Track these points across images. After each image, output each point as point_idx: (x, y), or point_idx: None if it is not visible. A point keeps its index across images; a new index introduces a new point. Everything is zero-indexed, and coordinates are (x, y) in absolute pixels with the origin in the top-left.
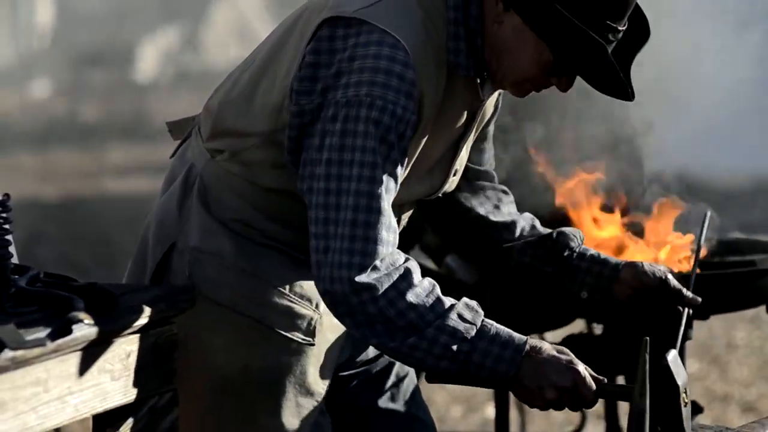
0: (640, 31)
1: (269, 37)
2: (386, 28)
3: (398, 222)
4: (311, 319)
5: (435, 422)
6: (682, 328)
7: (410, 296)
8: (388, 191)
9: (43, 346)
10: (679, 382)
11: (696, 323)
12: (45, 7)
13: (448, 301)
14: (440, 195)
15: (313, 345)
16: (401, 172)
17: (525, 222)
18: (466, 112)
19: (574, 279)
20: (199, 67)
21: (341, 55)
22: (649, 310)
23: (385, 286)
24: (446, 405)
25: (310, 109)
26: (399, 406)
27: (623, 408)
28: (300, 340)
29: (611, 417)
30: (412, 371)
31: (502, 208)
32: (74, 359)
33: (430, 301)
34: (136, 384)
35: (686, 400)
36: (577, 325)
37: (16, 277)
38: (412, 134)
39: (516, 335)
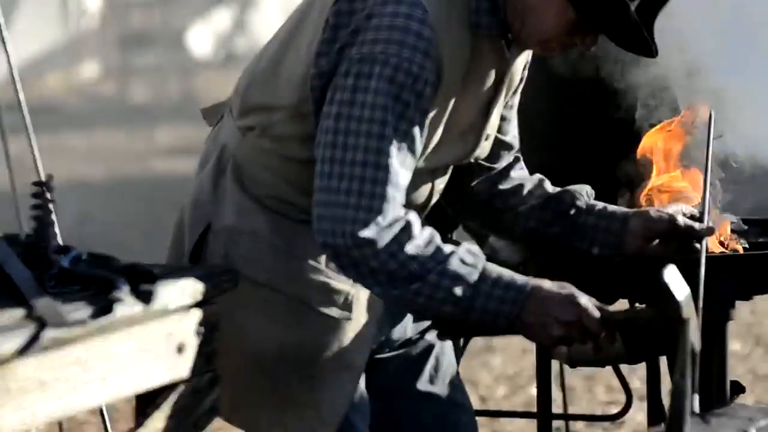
0: None
1: (291, 16)
2: None
3: (432, 188)
4: (348, 294)
5: (479, 401)
6: (703, 262)
7: (410, 248)
8: (400, 150)
9: (84, 325)
10: (680, 298)
11: (739, 303)
12: None
13: (448, 248)
14: (471, 160)
15: (350, 320)
16: (420, 132)
17: (531, 184)
18: (494, 75)
19: (583, 237)
20: (246, 48)
21: (360, 15)
22: (664, 256)
23: (386, 239)
24: (491, 385)
25: (329, 68)
26: (437, 389)
27: (666, 389)
28: (337, 316)
29: (654, 398)
30: (451, 355)
31: (511, 174)
32: (115, 339)
33: (431, 250)
34: (177, 364)
35: (690, 314)
36: (620, 305)
37: (59, 257)
38: (433, 94)
39: (518, 276)
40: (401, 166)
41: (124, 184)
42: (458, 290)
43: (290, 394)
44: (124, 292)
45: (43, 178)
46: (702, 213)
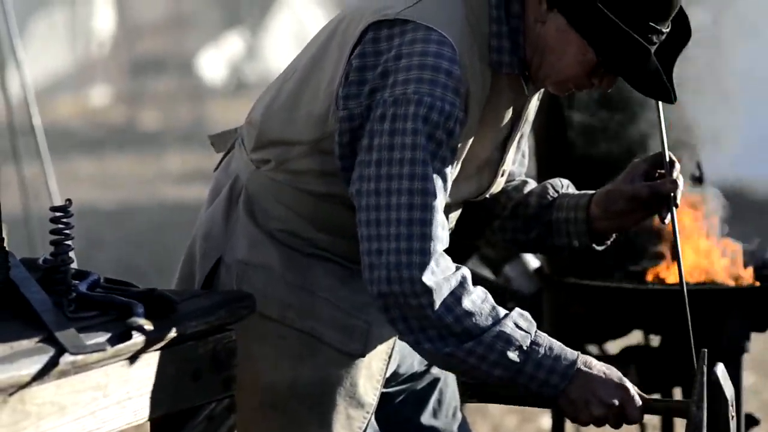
0: (681, 32)
1: (308, 47)
2: (432, 26)
3: (446, 223)
4: (361, 330)
5: None
6: (675, 218)
7: (467, 303)
8: (439, 189)
9: (103, 351)
10: (728, 395)
11: (754, 335)
12: (104, 13)
13: (502, 309)
14: (487, 196)
15: (362, 357)
16: (451, 171)
17: (511, 191)
18: (511, 111)
19: (559, 233)
20: (257, 74)
21: (387, 56)
22: (640, 216)
23: (444, 291)
24: (501, 415)
25: (359, 112)
26: (440, 423)
27: (680, 422)
28: (349, 352)
29: (667, 430)
30: (454, 388)
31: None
32: (133, 365)
33: (486, 308)
34: (194, 390)
35: (733, 414)
36: (635, 337)
37: (77, 282)
38: (461, 131)
39: (568, 349)
40: (441, 206)
41: (134, 209)
42: (511, 354)
43: (301, 430)
44: (142, 318)
45: (56, 203)
46: (665, 167)
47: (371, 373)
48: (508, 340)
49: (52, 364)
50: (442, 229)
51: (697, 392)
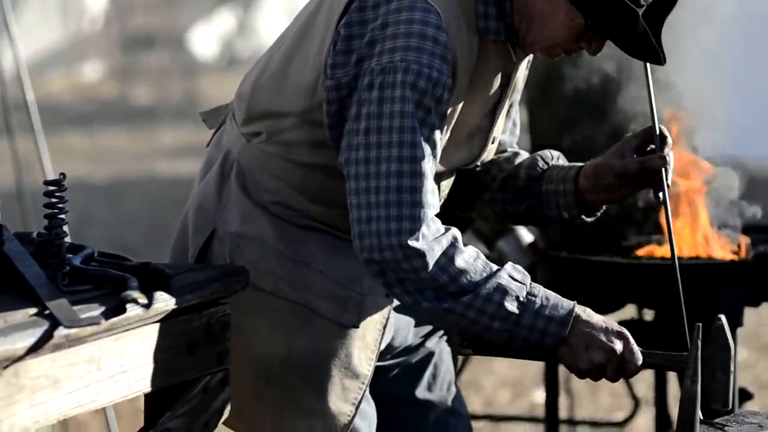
0: None
1: (296, 19)
2: None
3: (439, 192)
4: (354, 300)
5: (484, 406)
6: (667, 184)
7: (459, 261)
8: (428, 156)
9: (97, 324)
10: (731, 346)
11: (747, 310)
12: None
13: (495, 265)
14: (478, 164)
15: (356, 327)
16: (440, 137)
17: (501, 162)
18: (500, 78)
19: (549, 206)
20: (249, 50)
21: (373, 24)
22: (630, 190)
23: (436, 252)
24: (494, 389)
25: (347, 81)
26: (435, 396)
27: (673, 395)
28: (343, 323)
29: (661, 404)
30: (449, 363)
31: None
32: (127, 338)
33: (480, 264)
34: (188, 363)
35: (733, 368)
36: (628, 311)
37: (71, 256)
38: (449, 97)
39: (564, 299)
40: (431, 173)
41: (126, 184)
42: (509, 305)
43: (297, 402)
44: (136, 291)
45: (49, 178)
46: (655, 142)
47: (366, 343)
48: (504, 291)
49: (47, 337)
50: (431, 195)
51: (691, 367)
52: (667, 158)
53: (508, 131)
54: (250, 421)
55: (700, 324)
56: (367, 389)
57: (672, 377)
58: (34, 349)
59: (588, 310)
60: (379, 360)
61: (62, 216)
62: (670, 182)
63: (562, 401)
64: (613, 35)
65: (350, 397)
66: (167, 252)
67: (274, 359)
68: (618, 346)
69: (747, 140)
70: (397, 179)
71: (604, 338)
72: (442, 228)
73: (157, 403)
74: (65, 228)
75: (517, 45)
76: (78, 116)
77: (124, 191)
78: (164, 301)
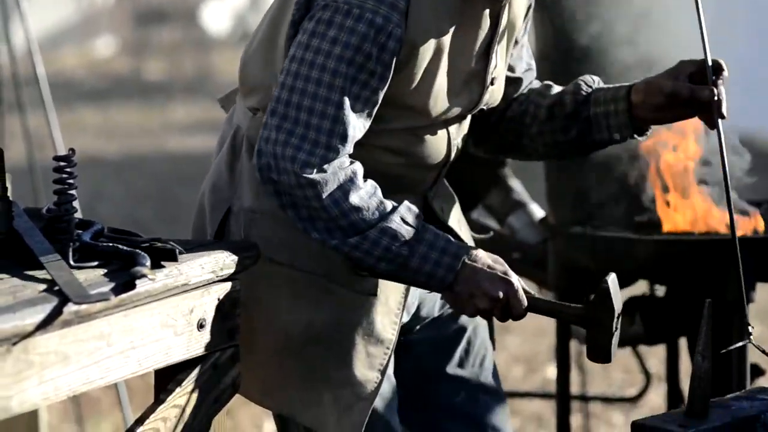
0: None
1: None
2: None
3: (449, 142)
4: None
5: None
6: (721, 115)
7: (354, 197)
8: (357, 100)
9: (106, 300)
10: (615, 306)
11: (759, 285)
12: None
13: (390, 203)
14: (484, 108)
15: (375, 295)
16: (381, 85)
17: (536, 96)
18: (488, 19)
19: (599, 128)
20: None
21: None
22: (680, 114)
23: (331, 185)
24: (507, 365)
25: (298, 17)
26: (467, 372)
27: (685, 371)
28: (363, 291)
29: (672, 380)
30: (484, 337)
31: (519, 97)
32: (137, 314)
33: (374, 203)
34: (198, 340)
35: (617, 326)
36: (640, 287)
37: (81, 231)
38: (398, 47)
39: (455, 242)
40: (357, 116)
41: (138, 160)
42: (396, 249)
43: (323, 373)
44: (146, 267)
45: (60, 153)
46: (706, 74)
47: (388, 308)
48: (393, 236)
49: (56, 313)
50: (338, 139)
51: (702, 342)
52: (718, 90)
53: (522, 70)
54: (277, 394)
55: (710, 300)
56: (392, 358)
57: (684, 353)
58: (44, 325)
59: (476, 253)
60: (408, 333)
61: (72, 192)
62: (724, 113)
63: (574, 377)
64: None
65: (375, 363)
66: (178, 227)
67: (296, 331)
68: (501, 293)
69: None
70: (306, 114)
71: (488, 286)
72: (347, 162)
73: (167, 379)
74: (75, 203)
75: None
76: (90, 91)
77: (136, 167)
78: (174, 277)
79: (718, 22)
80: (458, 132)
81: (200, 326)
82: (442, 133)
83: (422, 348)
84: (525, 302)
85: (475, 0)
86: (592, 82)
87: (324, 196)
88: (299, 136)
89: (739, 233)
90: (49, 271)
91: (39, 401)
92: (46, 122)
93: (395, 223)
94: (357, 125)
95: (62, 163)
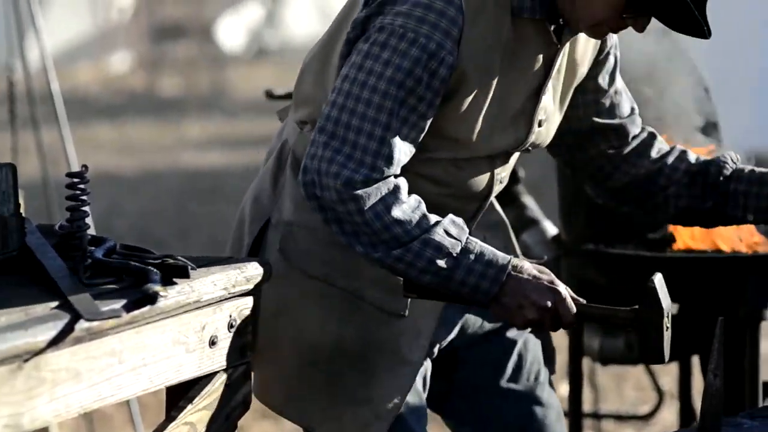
0: None
1: (346, 3)
2: None
3: (492, 177)
4: None
5: None
6: None
7: (396, 211)
8: (404, 124)
9: (118, 317)
10: (664, 305)
11: None
12: None
13: (434, 217)
14: (530, 148)
15: (405, 316)
16: (431, 110)
17: (674, 159)
18: (541, 60)
19: (736, 205)
20: (277, 41)
21: None
22: None
23: (373, 199)
24: None
25: (353, 36)
26: (521, 386)
27: (697, 389)
28: (392, 311)
29: (685, 397)
30: (537, 352)
31: (651, 154)
32: (149, 331)
33: (417, 216)
34: (210, 357)
35: (668, 325)
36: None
37: (93, 248)
38: (449, 75)
39: (500, 254)
40: (403, 140)
41: (153, 176)
42: (440, 261)
43: (345, 388)
44: (158, 284)
45: (74, 169)
46: None
47: (417, 331)
48: (437, 247)
49: (68, 330)
50: (383, 161)
51: (715, 360)
52: None
53: (622, 115)
54: (298, 405)
55: (722, 318)
56: (420, 381)
57: (696, 371)
58: (55, 342)
59: (521, 264)
60: (456, 350)
61: (84, 208)
62: None
63: (587, 394)
64: (655, 9)
65: (399, 385)
66: (194, 243)
67: (324, 346)
68: (549, 302)
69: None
70: (355, 134)
71: (535, 296)
72: (391, 179)
73: (178, 396)
74: (88, 220)
75: (564, 26)
76: (106, 107)
77: (151, 183)
78: (186, 294)
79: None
80: (503, 167)
81: (212, 343)
82: (485, 167)
83: (472, 364)
84: (574, 310)
85: (530, 40)
86: (735, 158)
87: (366, 209)
88: (345, 154)
89: (748, 251)
90: (61, 288)
91: (50, 418)
92: (60, 138)
93: (438, 235)
94: (403, 149)
95: (75, 180)
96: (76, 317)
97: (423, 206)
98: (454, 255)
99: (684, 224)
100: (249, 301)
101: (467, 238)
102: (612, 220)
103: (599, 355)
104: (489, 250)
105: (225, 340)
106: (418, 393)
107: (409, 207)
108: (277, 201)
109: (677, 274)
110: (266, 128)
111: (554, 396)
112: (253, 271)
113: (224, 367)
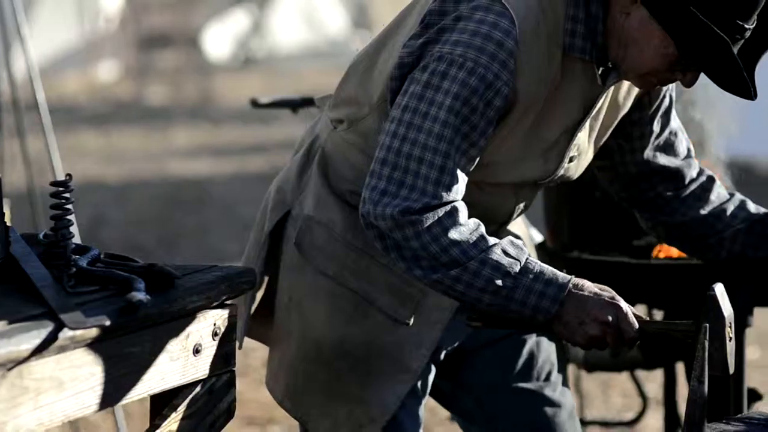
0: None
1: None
2: None
3: (515, 204)
4: (414, 298)
5: None
6: None
7: (454, 233)
8: (459, 152)
9: (102, 326)
10: (725, 314)
11: (757, 310)
12: None
13: (492, 239)
14: (557, 180)
15: (409, 324)
16: (482, 140)
17: (734, 206)
18: (583, 98)
19: None
20: (264, 50)
21: (449, 16)
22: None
23: (429, 221)
24: None
25: (409, 61)
26: (532, 385)
27: (682, 395)
28: (399, 318)
29: (670, 404)
30: (550, 352)
31: (710, 197)
32: (133, 339)
33: (474, 237)
34: (194, 365)
35: (731, 335)
36: (638, 311)
37: (77, 257)
38: (503, 105)
39: (560, 273)
40: (460, 168)
41: (139, 185)
42: (499, 281)
43: (343, 387)
44: (142, 293)
45: (60, 178)
46: None
47: (420, 340)
48: (495, 267)
49: (51, 339)
50: (443, 189)
51: (698, 367)
52: None
53: (679, 158)
54: (297, 399)
55: (708, 325)
56: (420, 385)
57: (681, 376)
58: (39, 350)
59: (582, 282)
60: (467, 351)
61: (69, 217)
62: None
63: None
64: (705, 66)
65: (396, 389)
66: (180, 251)
67: (328, 343)
68: (611, 317)
69: (760, 140)
70: (416, 163)
71: (597, 312)
72: (449, 204)
73: (162, 404)
74: (73, 228)
75: (613, 69)
76: (93, 116)
77: (137, 191)
78: (170, 303)
79: None
80: (526, 196)
81: (196, 351)
82: (509, 194)
83: (482, 363)
84: (636, 325)
85: (576, 78)
86: None
87: (423, 233)
88: (407, 185)
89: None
90: (45, 297)
91: (34, 427)
92: (46, 147)
93: (496, 254)
94: (461, 177)
95: (60, 188)
96: (60, 326)
97: (482, 228)
98: (513, 274)
99: (731, 267)
100: (233, 309)
101: (527, 258)
102: (597, 228)
103: (585, 363)
104: (549, 269)
105: (209, 348)
106: (416, 399)
107: (467, 229)
108: (300, 194)
109: (661, 281)
110: (252, 136)
111: (568, 395)
112: (237, 279)
113: (208, 376)
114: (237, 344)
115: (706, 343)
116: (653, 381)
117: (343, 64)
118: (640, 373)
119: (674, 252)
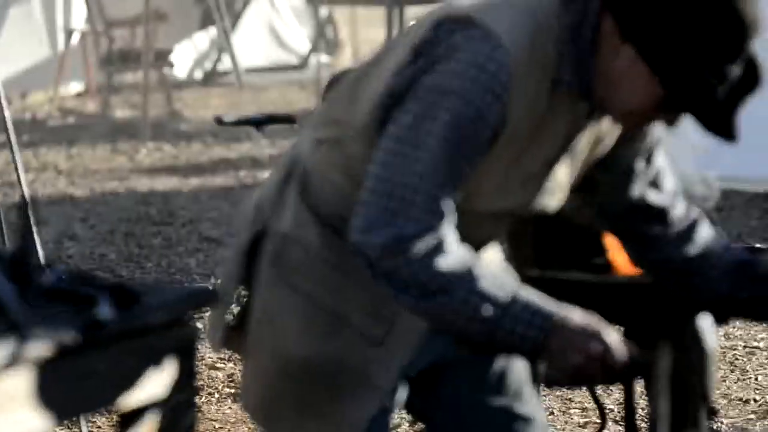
0: (753, 75)
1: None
2: (493, 28)
3: (492, 233)
4: (387, 319)
5: None
6: None
7: (443, 261)
8: (447, 180)
9: (67, 341)
10: (711, 347)
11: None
12: (79, 7)
13: (481, 267)
14: (535, 211)
15: (381, 344)
16: (469, 169)
17: (721, 248)
18: (567, 132)
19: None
20: (229, 68)
21: (443, 46)
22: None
23: (419, 251)
24: None
25: (399, 90)
26: (503, 400)
27: (642, 412)
28: (370, 338)
29: (630, 421)
30: (524, 372)
31: (696, 237)
32: (97, 356)
33: (464, 266)
34: (156, 382)
35: (714, 367)
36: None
37: (42, 273)
38: (492, 137)
39: (551, 304)
40: (449, 196)
41: (105, 201)
42: (486, 309)
43: (314, 403)
44: (107, 309)
45: (27, 194)
46: None
47: (390, 362)
48: (482, 296)
49: (16, 354)
50: (432, 216)
51: (659, 383)
52: None
53: (665, 196)
54: (268, 412)
55: (667, 341)
56: (389, 401)
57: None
58: (2, 367)
59: (572, 314)
60: (436, 363)
61: (33, 234)
62: None
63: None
64: (689, 107)
65: (366, 407)
66: (146, 268)
67: (299, 360)
68: (596, 347)
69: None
70: (412, 194)
71: (580, 343)
72: (437, 231)
73: (126, 421)
74: (38, 245)
75: (596, 107)
76: (58, 132)
77: (104, 207)
78: (134, 320)
79: None
80: (504, 226)
81: (159, 369)
82: (486, 223)
83: (455, 378)
84: (624, 358)
85: (562, 111)
86: None
87: (413, 261)
88: (399, 213)
89: None
90: (8, 313)
91: None
92: (12, 163)
93: (485, 284)
94: (450, 204)
95: (23, 205)
96: (23, 342)
97: (471, 257)
98: (501, 304)
99: (719, 311)
100: (196, 327)
101: (515, 287)
102: (556, 246)
103: (544, 379)
104: (538, 300)
105: (172, 365)
106: (385, 415)
107: (456, 258)
108: (278, 211)
109: (621, 298)
110: (218, 153)
111: (540, 412)
112: (199, 297)
113: (171, 393)
114: (212, 350)
115: (666, 360)
116: (611, 397)
117: (305, 80)
118: (600, 389)
119: (633, 270)
